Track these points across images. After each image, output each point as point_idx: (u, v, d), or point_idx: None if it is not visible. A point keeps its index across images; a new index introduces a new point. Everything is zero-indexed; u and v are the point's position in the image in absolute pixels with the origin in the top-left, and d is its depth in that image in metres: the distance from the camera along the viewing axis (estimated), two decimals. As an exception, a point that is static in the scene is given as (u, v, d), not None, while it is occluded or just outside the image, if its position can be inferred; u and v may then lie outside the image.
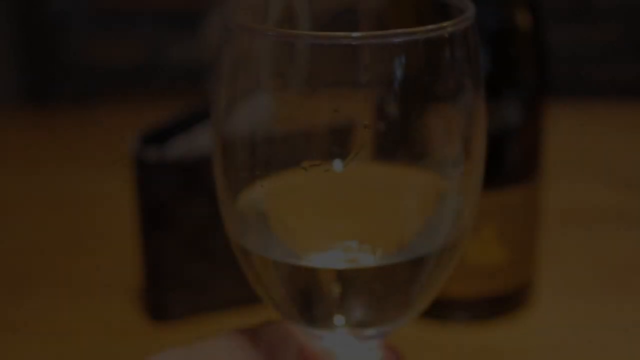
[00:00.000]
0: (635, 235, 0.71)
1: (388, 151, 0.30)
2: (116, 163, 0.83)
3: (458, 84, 0.30)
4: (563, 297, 0.62)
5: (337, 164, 0.30)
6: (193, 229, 0.56)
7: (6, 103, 1.70)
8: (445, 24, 0.29)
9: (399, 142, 0.30)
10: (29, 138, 1.09)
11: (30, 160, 0.98)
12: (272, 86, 0.30)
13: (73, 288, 0.65)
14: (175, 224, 0.56)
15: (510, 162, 0.55)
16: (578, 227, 0.73)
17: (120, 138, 0.73)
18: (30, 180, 0.91)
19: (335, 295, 0.31)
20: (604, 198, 0.79)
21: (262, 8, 0.33)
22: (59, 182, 0.90)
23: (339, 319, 0.31)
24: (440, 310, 0.57)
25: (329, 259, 0.30)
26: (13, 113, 1.31)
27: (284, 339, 0.32)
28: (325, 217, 0.31)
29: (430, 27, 0.29)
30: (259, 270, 0.31)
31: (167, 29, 1.88)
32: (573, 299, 0.61)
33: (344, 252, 0.30)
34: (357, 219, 0.31)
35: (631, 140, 0.95)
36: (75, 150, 1.02)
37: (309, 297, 0.31)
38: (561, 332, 0.57)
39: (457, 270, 0.55)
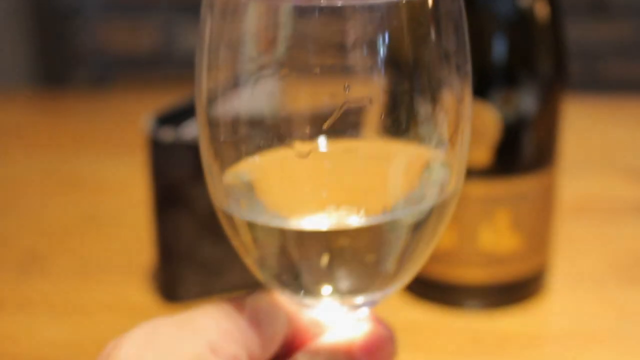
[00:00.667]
0: (649, 226, 0.71)
1: (375, 121, 0.30)
2: (130, 146, 0.83)
3: (444, 51, 0.30)
4: (576, 286, 0.61)
5: (322, 138, 0.30)
6: (207, 210, 0.56)
7: (22, 88, 1.71)
8: None
9: (385, 112, 0.30)
10: (45, 121, 1.10)
11: (46, 143, 0.99)
12: (258, 57, 0.30)
13: (87, 268, 0.66)
14: (189, 205, 0.56)
15: (525, 150, 0.55)
16: (592, 218, 0.73)
17: (133, 122, 0.73)
18: (45, 162, 0.92)
19: (323, 259, 0.31)
20: (619, 190, 0.79)
21: None
22: (73, 164, 0.90)
23: (326, 286, 0.31)
24: (454, 296, 0.57)
25: (315, 221, 0.30)
26: (29, 97, 1.32)
27: (272, 309, 0.32)
28: (311, 185, 0.31)
29: None
30: (245, 238, 0.31)
31: (181, 16, 1.88)
32: (586, 288, 0.61)
33: (330, 216, 0.30)
34: (343, 187, 0.31)
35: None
36: (89, 133, 1.02)
37: (296, 263, 0.31)
38: (573, 321, 0.57)
39: (471, 257, 0.55)
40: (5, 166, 0.91)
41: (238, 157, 0.30)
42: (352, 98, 0.29)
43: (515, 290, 0.58)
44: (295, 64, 0.29)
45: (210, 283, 0.59)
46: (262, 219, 0.31)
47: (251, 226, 0.31)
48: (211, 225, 0.57)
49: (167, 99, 0.68)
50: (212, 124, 0.31)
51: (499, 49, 0.53)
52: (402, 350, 0.53)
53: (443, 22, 0.30)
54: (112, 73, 1.91)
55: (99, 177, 0.86)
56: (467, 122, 0.32)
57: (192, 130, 0.55)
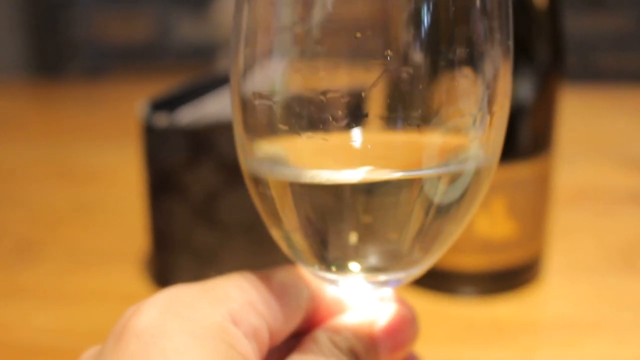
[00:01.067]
0: (645, 215, 0.71)
1: (411, 101, 0.29)
2: (124, 135, 0.83)
3: (487, 34, 0.30)
4: (571, 274, 0.61)
5: (356, 120, 0.29)
6: (201, 196, 0.56)
7: (16, 78, 1.70)
8: None
9: (422, 94, 0.29)
10: (39, 110, 1.09)
11: (40, 132, 0.99)
12: (291, 39, 0.29)
13: (80, 256, 0.66)
14: (183, 191, 0.56)
15: (521, 137, 0.55)
16: (588, 206, 0.73)
17: (128, 111, 0.73)
18: (39, 151, 0.91)
19: (350, 231, 0.30)
20: (615, 179, 0.79)
21: None
22: (67, 153, 0.90)
23: (351, 261, 0.31)
24: (449, 283, 0.57)
25: (346, 185, 0.30)
26: (23, 87, 1.32)
27: (296, 284, 0.32)
28: (345, 151, 0.30)
29: None
30: (276, 201, 0.31)
31: (176, 6, 1.87)
32: (581, 276, 0.61)
33: (361, 183, 0.30)
34: (377, 156, 0.31)
35: (642, 123, 0.95)
36: (83, 122, 1.02)
37: (323, 231, 0.30)
38: (569, 308, 0.57)
39: (466, 243, 0.55)
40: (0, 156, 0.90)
41: (270, 129, 0.30)
42: (392, 67, 0.28)
43: (510, 278, 0.58)
44: (333, 38, 0.29)
45: (204, 271, 0.59)
46: (288, 176, 0.30)
47: (281, 189, 0.30)
48: (205, 212, 0.56)
49: (162, 87, 0.67)
50: (244, 95, 0.30)
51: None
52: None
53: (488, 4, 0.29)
54: (107, 63, 1.90)
55: (92, 166, 0.85)
56: (506, 97, 0.31)
57: (187, 116, 0.55)
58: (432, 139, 0.30)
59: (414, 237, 0.31)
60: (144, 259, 0.64)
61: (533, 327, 0.55)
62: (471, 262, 0.56)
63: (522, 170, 0.55)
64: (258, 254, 0.57)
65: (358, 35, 0.28)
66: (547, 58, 0.55)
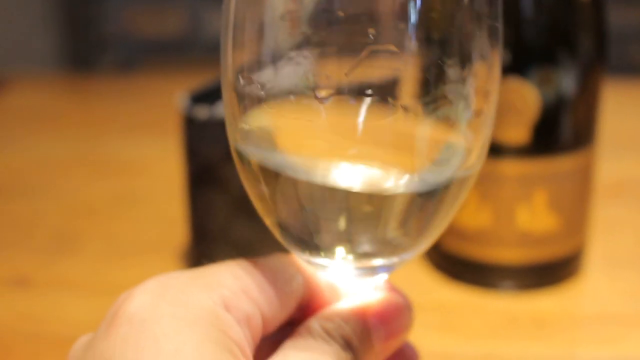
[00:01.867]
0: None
1: (404, 89, 0.29)
2: (160, 127, 0.83)
3: (476, 14, 0.30)
4: (613, 268, 0.61)
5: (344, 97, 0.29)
6: (241, 189, 0.56)
7: (50, 72, 1.72)
8: None
9: (416, 81, 0.29)
10: (75, 104, 1.10)
11: (76, 125, 0.99)
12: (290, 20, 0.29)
13: (118, 248, 0.66)
14: (223, 184, 0.56)
15: (564, 129, 0.54)
16: (630, 200, 0.72)
17: (162, 103, 0.73)
18: (76, 144, 0.92)
19: (341, 220, 0.30)
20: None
21: None
22: (104, 145, 0.90)
23: (343, 246, 0.31)
24: (489, 277, 0.57)
25: (335, 173, 0.30)
26: (57, 80, 1.33)
27: (289, 271, 0.32)
28: (334, 138, 0.30)
29: None
30: (264, 187, 0.31)
31: (207, 0, 1.88)
32: (623, 271, 0.60)
33: (350, 170, 0.30)
34: (366, 147, 0.30)
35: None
36: (119, 114, 1.03)
37: (314, 217, 0.30)
38: (610, 303, 0.56)
39: (507, 236, 0.55)
40: (37, 148, 0.91)
41: (259, 104, 0.30)
42: (377, 45, 0.28)
43: (551, 272, 0.57)
44: (320, 25, 0.29)
45: (242, 263, 0.59)
46: (280, 169, 0.30)
47: (270, 176, 0.30)
48: (244, 205, 0.56)
49: (196, 81, 0.67)
50: (236, 70, 0.30)
51: (540, 27, 0.52)
52: (435, 330, 0.52)
53: None
54: (139, 57, 1.91)
55: (128, 157, 0.86)
56: (495, 92, 0.31)
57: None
58: (422, 123, 0.30)
59: (404, 223, 0.31)
60: (181, 251, 0.64)
61: (574, 322, 0.55)
62: (512, 255, 0.55)
63: (564, 163, 0.54)
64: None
65: (340, 13, 0.28)
66: (590, 50, 0.54)
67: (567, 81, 0.53)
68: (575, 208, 0.56)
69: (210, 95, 0.57)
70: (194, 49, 1.90)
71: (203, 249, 0.58)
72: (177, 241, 0.65)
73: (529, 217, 0.54)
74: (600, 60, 0.55)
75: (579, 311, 0.56)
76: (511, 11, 0.49)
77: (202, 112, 0.54)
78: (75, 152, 0.89)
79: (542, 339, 0.52)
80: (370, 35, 0.28)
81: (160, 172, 0.80)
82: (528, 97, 0.52)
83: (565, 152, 0.54)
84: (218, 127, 0.54)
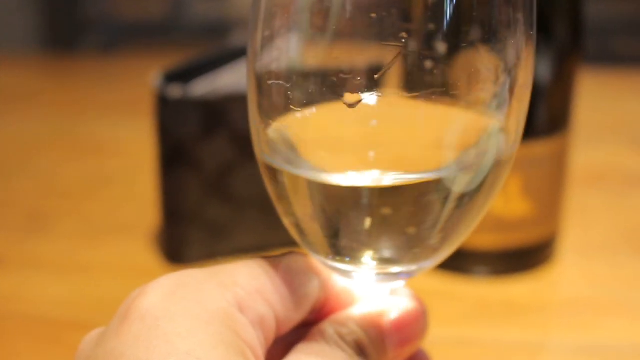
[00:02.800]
0: (661, 198, 0.70)
1: (431, 85, 0.29)
2: (138, 109, 0.83)
3: (511, 17, 0.29)
4: (586, 255, 0.61)
5: (372, 97, 0.28)
6: (214, 169, 0.56)
7: (31, 52, 1.70)
8: None
9: (444, 77, 0.29)
10: (53, 84, 1.09)
11: (54, 106, 0.99)
12: (310, 21, 0.29)
13: (92, 228, 0.65)
14: (196, 164, 0.55)
15: (538, 114, 0.54)
16: (605, 188, 0.72)
17: (142, 85, 0.73)
18: (53, 124, 0.91)
19: (363, 225, 0.30)
20: (632, 161, 0.78)
21: None
22: (81, 126, 0.90)
23: (364, 252, 0.30)
24: (462, 262, 0.56)
25: (359, 179, 0.29)
26: (38, 61, 1.31)
27: (306, 272, 0.31)
28: (359, 141, 0.30)
29: None
30: (288, 193, 0.30)
31: (191, -17, 1.87)
32: (596, 257, 0.60)
33: (375, 175, 0.29)
34: (393, 149, 0.30)
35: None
36: (97, 96, 1.02)
37: (337, 227, 0.30)
38: (583, 289, 0.56)
39: (482, 221, 0.54)
40: (13, 128, 0.90)
41: (285, 110, 0.29)
42: (409, 49, 0.28)
43: (524, 258, 0.57)
44: (352, 18, 0.28)
45: (216, 245, 0.58)
46: (305, 174, 0.30)
47: (294, 180, 0.30)
48: (218, 185, 0.56)
49: (175, 61, 0.67)
50: (260, 76, 0.30)
51: None
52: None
53: None
54: (120, 39, 1.89)
55: (105, 139, 0.85)
56: (527, 87, 0.31)
57: (201, 87, 0.55)
58: (451, 127, 0.29)
59: (429, 230, 0.30)
60: (155, 232, 0.63)
61: (547, 307, 0.55)
62: (485, 240, 0.55)
63: (538, 149, 0.54)
64: (271, 228, 0.57)
65: (373, 15, 0.28)
66: (566, 37, 0.54)
67: (541, 66, 0.53)
68: (549, 194, 0.56)
69: (185, 74, 0.56)
70: (176, 32, 1.89)
71: (176, 230, 0.58)
72: (149, 222, 0.65)
73: (502, 202, 0.54)
74: (575, 46, 0.55)
75: (552, 297, 0.56)
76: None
77: (175, 91, 0.54)
78: (50, 132, 0.88)
79: (515, 325, 0.52)
80: (403, 39, 0.28)
81: (134, 153, 0.79)
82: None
83: (540, 137, 0.54)
84: (191, 106, 0.54)
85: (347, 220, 0.30)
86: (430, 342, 0.50)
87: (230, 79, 0.57)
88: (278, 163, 0.30)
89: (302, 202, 0.30)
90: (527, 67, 0.30)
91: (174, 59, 0.60)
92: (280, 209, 0.32)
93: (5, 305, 0.55)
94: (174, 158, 0.55)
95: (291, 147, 0.30)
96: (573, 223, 0.63)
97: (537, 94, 0.53)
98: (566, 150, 0.56)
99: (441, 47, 0.28)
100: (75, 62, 1.25)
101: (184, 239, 0.58)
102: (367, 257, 0.31)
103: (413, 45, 0.28)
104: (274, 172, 0.30)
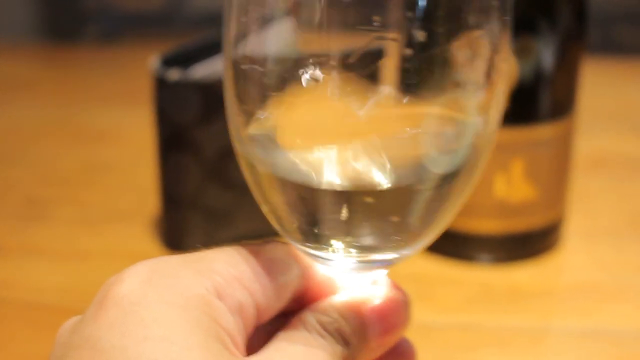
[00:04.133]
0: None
1: (410, 75, 0.28)
2: (138, 97, 0.82)
3: (485, 4, 0.29)
4: (591, 240, 0.60)
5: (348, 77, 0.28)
6: (214, 154, 0.55)
7: (30, 42, 1.70)
8: None
9: (421, 68, 0.28)
10: (53, 73, 1.09)
11: (54, 94, 0.98)
12: (287, 11, 0.28)
13: (91, 215, 0.65)
14: (195, 149, 0.55)
15: (542, 99, 0.53)
16: (609, 173, 0.72)
17: (141, 74, 0.72)
18: (50, 111, 0.91)
19: (342, 213, 0.29)
20: (634, 148, 0.78)
21: None
22: (78, 113, 0.89)
23: (344, 241, 0.30)
24: (466, 248, 0.56)
25: (337, 171, 0.29)
26: (37, 50, 1.31)
27: (286, 260, 0.31)
28: (337, 140, 0.29)
29: None
30: (265, 186, 0.30)
31: (192, -27, 1.86)
32: (601, 243, 0.60)
33: (354, 171, 0.29)
34: (370, 142, 0.30)
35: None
36: (97, 85, 1.01)
37: (314, 214, 0.30)
38: (588, 275, 0.56)
39: (483, 206, 0.54)
40: (13, 116, 0.89)
41: (262, 100, 0.29)
42: (380, 35, 0.27)
43: (528, 243, 0.56)
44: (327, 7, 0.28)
45: (216, 231, 0.58)
46: (282, 167, 0.29)
47: (270, 176, 0.30)
48: (218, 170, 0.55)
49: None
50: (237, 65, 0.29)
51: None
52: (412, 301, 0.52)
53: None
54: (121, 29, 1.89)
55: (104, 126, 0.85)
56: (504, 71, 0.30)
57: (200, 70, 0.54)
58: (429, 110, 0.29)
59: (408, 217, 0.30)
60: (155, 219, 0.63)
61: (551, 293, 0.54)
62: (488, 225, 0.55)
63: (541, 132, 0.53)
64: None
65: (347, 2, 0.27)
66: (570, 21, 0.53)
67: (546, 51, 0.52)
68: (553, 178, 0.55)
69: (184, 58, 0.55)
70: (176, 22, 1.88)
71: (175, 216, 0.57)
72: (148, 209, 0.64)
73: (505, 186, 0.53)
74: (579, 31, 0.54)
75: (557, 283, 0.56)
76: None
77: (174, 74, 0.53)
78: (50, 120, 0.88)
79: (519, 311, 0.52)
80: (375, 23, 0.27)
81: (134, 141, 0.79)
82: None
83: (543, 121, 0.53)
84: (190, 90, 0.53)
85: (325, 209, 0.29)
86: (434, 328, 0.50)
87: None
88: (254, 152, 0.30)
89: (278, 191, 0.30)
90: (502, 52, 0.30)
91: (173, 45, 0.59)
92: (257, 196, 0.31)
93: (4, 292, 0.54)
94: (173, 143, 0.55)
95: (268, 135, 0.30)
96: (577, 208, 0.62)
97: (541, 78, 0.53)
98: (570, 135, 0.56)
99: (416, 34, 0.28)
100: (75, 51, 1.25)
101: (184, 225, 0.57)
102: (347, 245, 0.30)
103: (386, 31, 0.28)
104: (248, 161, 0.30)
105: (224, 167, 0.55)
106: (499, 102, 0.30)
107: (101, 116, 0.88)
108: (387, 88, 0.28)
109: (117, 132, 0.84)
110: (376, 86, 0.28)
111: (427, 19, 0.27)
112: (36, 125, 0.87)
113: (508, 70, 0.31)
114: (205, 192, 0.56)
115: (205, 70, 0.54)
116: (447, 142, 0.29)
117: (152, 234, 0.61)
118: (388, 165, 0.29)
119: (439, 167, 0.29)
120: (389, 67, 0.28)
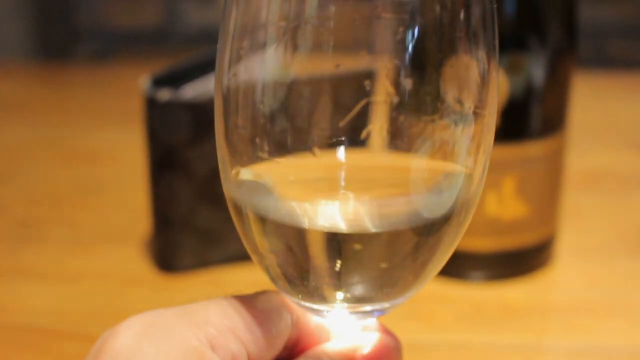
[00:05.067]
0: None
1: (399, 115, 0.29)
2: (130, 117, 0.82)
3: (473, 44, 0.29)
4: (584, 258, 0.60)
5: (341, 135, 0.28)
6: (205, 174, 0.55)
7: (23, 61, 1.70)
8: None
9: (409, 106, 0.28)
10: (45, 93, 1.09)
11: (46, 114, 0.98)
12: (279, 46, 0.28)
13: (82, 236, 0.65)
14: (186, 169, 0.55)
15: (532, 116, 0.53)
16: (601, 190, 0.72)
17: (133, 93, 0.72)
18: (44, 132, 0.91)
19: (333, 263, 0.29)
20: (628, 163, 0.78)
21: None
22: (70, 133, 0.89)
23: (335, 291, 0.30)
24: (458, 266, 0.56)
25: (330, 222, 0.29)
26: (29, 69, 1.31)
27: (279, 309, 0.31)
28: (327, 182, 0.30)
29: None
30: (256, 233, 0.30)
31: (185, -9, 1.86)
32: (593, 260, 0.60)
33: (346, 218, 0.29)
34: (362, 187, 0.30)
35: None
36: (89, 104, 1.01)
37: (307, 263, 0.30)
38: (580, 292, 0.56)
39: (475, 224, 0.54)
40: (4, 136, 0.89)
41: (254, 150, 0.29)
42: (373, 94, 0.28)
43: (521, 261, 0.56)
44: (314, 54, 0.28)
45: (207, 252, 0.58)
46: (273, 215, 0.29)
47: (262, 222, 0.30)
48: (209, 190, 0.55)
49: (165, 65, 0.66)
50: (229, 114, 0.29)
51: (510, 12, 0.52)
52: (403, 320, 0.52)
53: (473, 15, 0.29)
54: (113, 48, 1.89)
55: (95, 146, 0.85)
56: (491, 130, 0.30)
57: (191, 90, 0.54)
58: (417, 164, 0.29)
59: (399, 269, 0.30)
60: (146, 239, 0.63)
61: (544, 311, 0.54)
62: (480, 243, 0.55)
63: (533, 150, 0.53)
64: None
65: (337, 64, 0.27)
66: (560, 37, 0.54)
67: (536, 67, 0.52)
68: (545, 195, 0.55)
69: (174, 78, 0.55)
70: (170, 40, 1.88)
71: (167, 236, 0.57)
72: (141, 230, 0.64)
73: (497, 204, 0.53)
74: (570, 47, 0.54)
75: (550, 300, 0.55)
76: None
77: (164, 94, 0.53)
78: (41, 140, 0.87)
79: (512, 329, 0.52)
80: (367, 87, 0.28)
81: (126, 161, 0.79)
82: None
83: (534, 138, 0.53)
84: (181, 110, 0.53)
85: (317, 262, 0.29)
86: (426, 346, 0.50)
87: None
88: (245, 199, 0.30)
89: (269, 244, 0.30)
90: (490, 92, 0.30)
91: (165, 65, 0.59)
92: (246, 244, 0.31)
93: (-5, 314, 0.54)
94: (165, 163, 0.55)
95: (258, 182, 0.30)
96: (569, 225, 0.62)
97: (532, 95, 0.53)
98: (561, 151, 0.56)
99: (404, 82, 0.28)
100: (68, 70, 1.25)
101: (176, 246, 0.57)
102: (338, 297, 0.30)
103: (378, 90, 0.28)
104: (239, 208, 0.30)
105: (215, 187, 0.55)
106: (489, 143, 0.31)
107: (94, 136, 0.88)
108: (373, 141, 0.28)
109: (110, 151, 0.84)
110: (364, 133, 0.28)
111: (412, 67, 0.28)
112: (28, 144, 0.86)
113: (494, 111, 0.31)
114: (197, 213, 0.56)
115: (196, 90, 0.54)
116: (436, 187, 0.29)
117: (145, 255, 0.60)
118: (378, 214, 0.29)
119: (430, 212, 0.29)
120: (375, 120, 0.28)
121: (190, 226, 0.57)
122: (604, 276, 0.58)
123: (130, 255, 0.61)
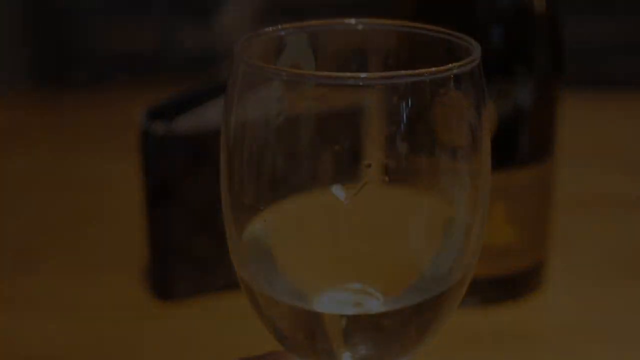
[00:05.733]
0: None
1: (396, 184, 0.30)
2: (127, 145, 0.83)
3: (465, 124, 0.30)
4: (575, 282, 0.61)
5: (343, 197, 0.30)
6: (200, 205, 0.56)
7: (18, 88, 1.71)
8: (451, 65, 0.29)
9: (406, 177, 0.30)
10: (41, 120, 1.09)
11: (40, 141, 0.98)
12: (279, 124, 0.30)
13: (79, 266, 0.65)
14: (182, 199, 0.55)
15: (521, 143, 0.54)
16: (592, 213, 0.72)
17: (129, 121, 0.73)
18: (40, 161, 0.91)
19: (339, 337, 0.30)
20: (619, 185, 0.78)
21: (274, 44, 0.33)
22: (69, 163, 0.90)
23: (342, 354, 0.31)
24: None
25: (333, 301, 0.30)
26: (25, 97, 1.31)
27: None
28: (331, 254, 0.31)
29: (436, 68, 0.29)
30: (263, 306, 0.31)
31: (180, 16, 1.87)
32: (585, 284, 0.60)
33: (349, 294, 0.30)
34: (363, 256, 0.31)
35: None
36: (86, 132, 1.02)
37: (312, 337, 0.31)
38: (572, 317, 0.56)
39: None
40: None
41: (256, 214, 0.31)
42: (373, 176, 0.29)
43: (511, 285, 0.57)
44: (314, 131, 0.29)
45: (204, 280, 0.58)
46: (279, 295, 0.31)
47: (267, 298, 0.31)
48: (205, 220, 0.56)
49: (162, 96, 0.67)
50: (233, 184, 0.31)
51: (496, 40, 0.53)
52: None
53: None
54: (110, 73, 1.90)
55: (92, 175, 0.85)
56: (487, 176, 0.32)
57: (186, 123, 0.55)
58: (420, 239, 0.30)
59: (403, 335, 0.31)
60: (142, 268, 0.63)
61: (536, 335, 0.55)
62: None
63: (522, 176, 0.54)
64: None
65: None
66: (547, 64, 0.54)
67: (523, 94, 0.53)
68: (535, 221, 0.56)
69: (170, 110, 0.56)
70: (167, 64, 1.89)
71: (163, 266, 0.58)
72: (138, 258, 0.65)
73: (487, 230, 0.54)
74: (557, 73, 0.55)
75: (541, 326, 0.56)
76: (467, 25, 0.49)
77: (159, 127, 0.54)
78: (37, 168, 0.88)
79: (504, 354, 0.52)
80: (367, 166, 0.29)
81: (123, 189, 0.79)
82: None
83: (523, 165, 0.54)
84: (176, 142, 0.54)
85: (322, 336, 0.31)
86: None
87: (216, 114, 0.57)
88: (254, 280, 0.31)
89: (276, 316, 0.31)
90: (485, 151, 0.32)
91: (162, 94, 0.60)
92: (253, 308, 0.32)
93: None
94: (160, 195, 0.56)
95: (265, 256, 0.31)
96: (560, 249, 0.63)
97: (519, 121, 0.54)
98: (550, 178, 0.56)
99: (402, 150, 0.29)
100: (64, 97, 1.26)
101: (172, 274, 0.58)
102: (345, 358, 0.31)
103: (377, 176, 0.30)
104: (250, 288, 0.31)
105: (211, 217, 0.56)
106: (481, 231, 0.32)
107: (89, 163, 0.88)
108: (372, 199, 0.29)
109: (106, 179, 0.84)
110: (362, 196, 0.29)
111: (407, 133, 0.29)
112: (23, 173, 0.87)
113: (488, 174, 0.32)
114: (193, 243, 0.57)
115: (191, 121, 0.55)
116: (436, 259, 0.31)
117: (142, 284, 0.61)
118: (381, 287, 0.30)
119: (429, 287, 0.31)
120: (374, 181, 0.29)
121: (187, 255, 0.57)
122: (596, 300, 0.58)
123: (128, 284, 0.61)
